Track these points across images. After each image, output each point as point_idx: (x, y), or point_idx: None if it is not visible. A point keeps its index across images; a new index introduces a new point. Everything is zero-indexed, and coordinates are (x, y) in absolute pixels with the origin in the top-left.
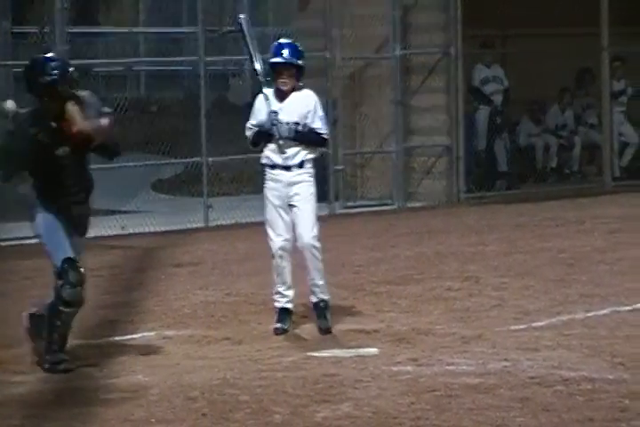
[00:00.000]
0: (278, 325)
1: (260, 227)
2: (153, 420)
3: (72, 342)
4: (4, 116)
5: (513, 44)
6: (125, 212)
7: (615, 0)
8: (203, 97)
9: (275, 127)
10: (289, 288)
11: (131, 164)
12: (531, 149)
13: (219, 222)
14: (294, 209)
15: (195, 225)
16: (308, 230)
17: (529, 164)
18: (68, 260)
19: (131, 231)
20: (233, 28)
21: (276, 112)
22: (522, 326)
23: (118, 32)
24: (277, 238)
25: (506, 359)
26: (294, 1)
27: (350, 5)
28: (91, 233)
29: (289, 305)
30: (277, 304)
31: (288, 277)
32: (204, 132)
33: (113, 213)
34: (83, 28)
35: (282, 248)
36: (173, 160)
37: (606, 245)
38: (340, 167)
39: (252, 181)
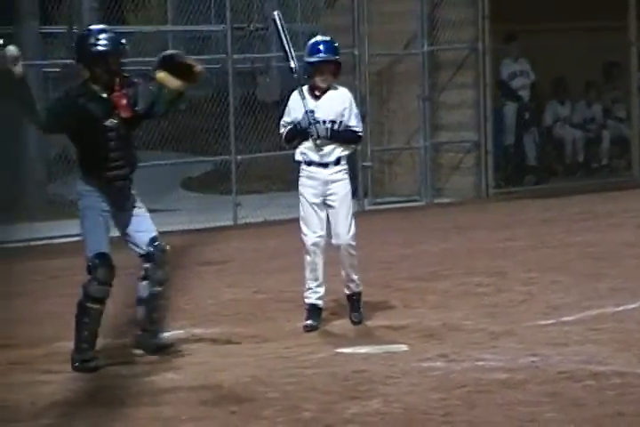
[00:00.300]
0: (308, 322)
1: (288, 224)
2: (183, 418)
3: (102, 341)
4: (9, 61)
5: (539, 39)
6: (155, 210)
7: None
8: (231, 95)
9: (312, 127)
10: (320, 285)
11: (160, 162)
12: (559, 144)
13: (247, 220)
14: (331, 208)
15: (224, 223)
16: (346, 229)
17: (557, 158)
18: (99, 255)
19: (160, 230)
20: (261, 26)
21: (312, 111)
22: (551, 321)
23: (146, 31)
24: (312, 235)
25: (535, 354)
26: None
27: (378, 2)
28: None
29: (319, 302)
30: (308, 301)
31: (320, 274)
32: (232, 130)
33: None
34: (111, 27)
35: (315, 244)
36: (202, 158)
37: (635, 239)
38: (368, 164)
39: (280, 178)
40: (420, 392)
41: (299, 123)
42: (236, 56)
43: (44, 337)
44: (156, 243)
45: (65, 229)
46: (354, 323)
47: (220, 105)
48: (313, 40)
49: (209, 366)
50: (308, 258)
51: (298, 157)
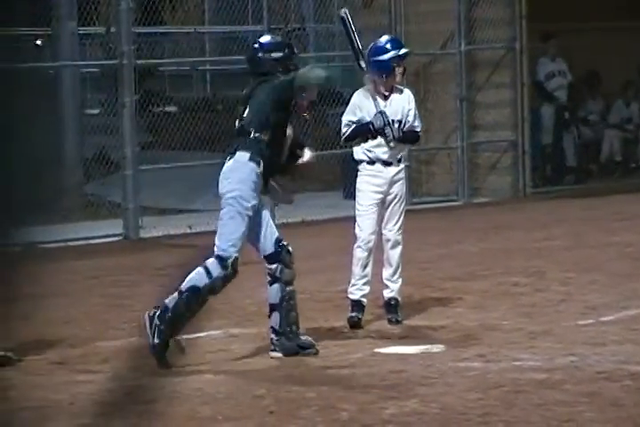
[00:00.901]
0: (354, 313)
1: (325, 225)
2: (220, 418)
3: (139, 340)
4: None
5: (577, 38)
6: (192, 211)
7: None
8: None
9: (387, 127)
10: (367, 283)
11: (197, 162)
12: (596, 144)
13: (284, 220)
14: (391, 205)
15: None
16: (398, 227)
17: (595, 158)
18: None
19: (197, 230)
20: (298, 26)
21: (383, 112)
22: (589, 321)
23: (184, 31)
24: (368, 232)
25: (573, 354)
26: None
27: (415, 2)
28: (159, 232)
29: (364, 300)
30: (353, 297)
31: (369, 271)
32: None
33: (180, 212)
34: (148, 28)
35: (370, 241)
36: None
37: None
38: (406, 164)
39: (318, 178)
40: (457, 392)
41: (371, 123)
42: None
43: (84, 337)
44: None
45: (102, 230)
46: (392, 323)
47: None
48: (381, 40)
49: (246, 366)
50: (359, 254)
51: (359, 155)
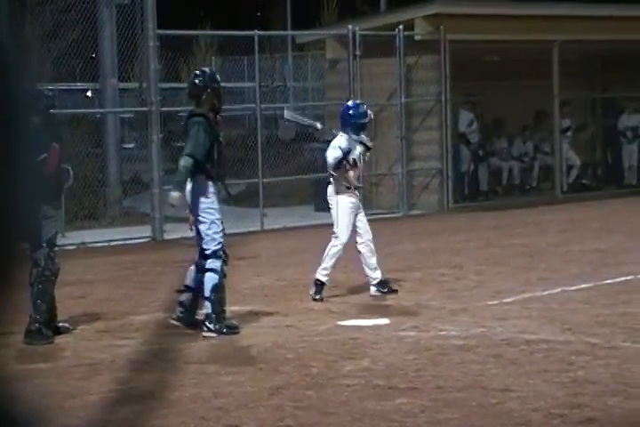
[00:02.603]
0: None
1: (302, 230)
2: (222, 372)
3: (163, 315)
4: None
5: (488, 93)
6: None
7: (562, 61)
8: (259, 134)
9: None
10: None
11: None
12: (501, 171)
13: (271, 227)
14: (359, 217)
15: (253, 229)
16: (369, 230)
17: (500, 182)
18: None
19: None
20: (280, 84)
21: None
22: (495, 302)
23: None
24: (347, 235)
25: (483, 326)
26: (326, 62)
27: (368, 65)
28: (177, 235)
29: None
30: (323, 278)
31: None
32: (260, 160)
33: None
34: (171, 83)
35: (346, 242)
36: (237, 181)
37: (558, 241)
38: (360, 185)
39: (296, 195)
40: (398, 354)
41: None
42: (262, 105)
43: (122, 312)
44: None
45: (135, 233)
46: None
47: (250, 141)
48: (357, 106)
49: (243, 335)
50: (338, 251)
51: (345, 184)
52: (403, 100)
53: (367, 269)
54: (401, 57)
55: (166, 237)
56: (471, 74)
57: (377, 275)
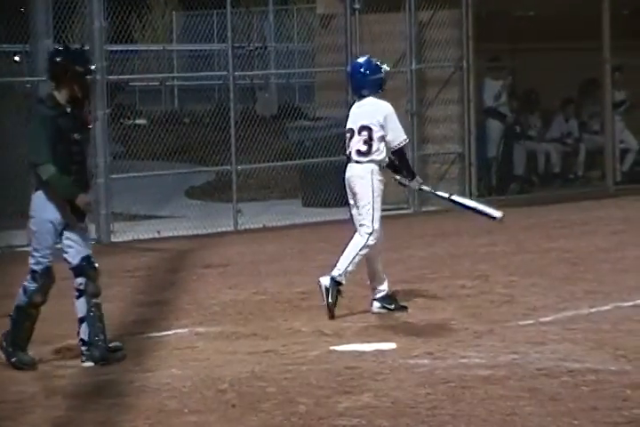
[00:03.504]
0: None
1: (285, 230)
2: (186, 411)
3: (110, 338)
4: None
5: (520, 58)
6: (160, 217)
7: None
8: (232, 109)
9: None
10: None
11: (165, 172)
12: (534, 157)
13: (247, 226)
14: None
15: (225, 229)
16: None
17: (536, 170)
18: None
19: (165, 235)
20: (259, 45)
21: None
22: (530, 322)
23: (153, 49)
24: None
25: (515, 352)
26: (316, 19)
27: (369, 23)
28: (129, 237)
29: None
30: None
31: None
32: (233, 142)
33: (149, 217)
34: (120, 45)
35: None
36: (205, 168)
37: (609, 245)
38: None
39: (278, 187)
40: (407, 387)
41: None
42: (236, 73)
43: (58, 335)
44: (91, 260)
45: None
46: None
47: (221, 118)
48: (367, 60)
49: (211, 362)
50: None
51: (383, 157)
52: (414, 66)
53: (372, 278)
54: (412, 12)
55: (114, 239)
56: (500, 33)
57: (383, 287)
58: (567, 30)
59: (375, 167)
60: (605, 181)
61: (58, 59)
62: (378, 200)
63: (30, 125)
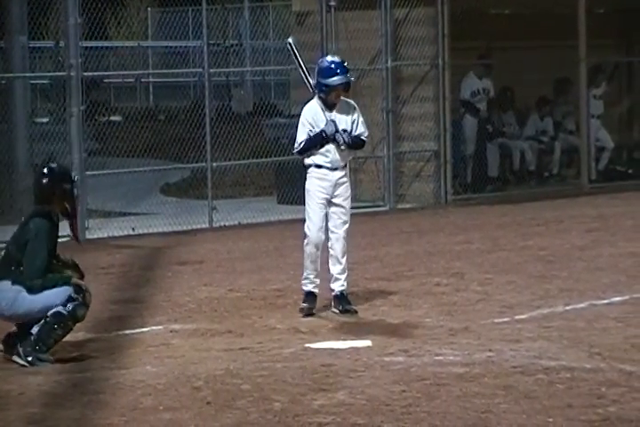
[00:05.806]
0: (305, 304)
1: (261, 227)
2: (161, 408)
3: (86, 335)
4: None
5: (496, 56)
6: (135, 214)
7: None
8: (207, 106)
9: (338, 135)
10: (317, 276)
11: (140, 169)
12: (511, 155)
13: (222, 223)
14: (335, 206)
15: (200, 226)
16: (346, 225)
17: (511, 168)
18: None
19: (140, 232)
20: (235, 42)
21: (333, 120)
22: (505, 319)
23: (128, 46)
24: (316, 229)
25: (490, 350)
26: (292, 16)
27: (345, 20)
28: (103, 233)
29: (316, 290)
30: (306, 289)
31: (319, 266)
32: (208, 139)
33: (124, 214)
34: (95, 42)
35: (319, 238)
36: (180, 165)
37: (584, 243)
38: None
39: (253, 184)
40: (383, 385)
41: (323, 131)
42: (212, 70)
43: None
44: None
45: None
46: (348, 313)
47: (197, 115)
48: (326, 62)
49: (186, 360)
50: (309, 250)
51: (308, 160)
52: (389, 63)
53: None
54: (387, 9)
55: (89, 235)
56: (475, 31)
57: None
58: (543, 29)
59: (310, 169)
60: (580, 179)
61: (44, 181)
62: (309, 203)
63: (34, 236)
